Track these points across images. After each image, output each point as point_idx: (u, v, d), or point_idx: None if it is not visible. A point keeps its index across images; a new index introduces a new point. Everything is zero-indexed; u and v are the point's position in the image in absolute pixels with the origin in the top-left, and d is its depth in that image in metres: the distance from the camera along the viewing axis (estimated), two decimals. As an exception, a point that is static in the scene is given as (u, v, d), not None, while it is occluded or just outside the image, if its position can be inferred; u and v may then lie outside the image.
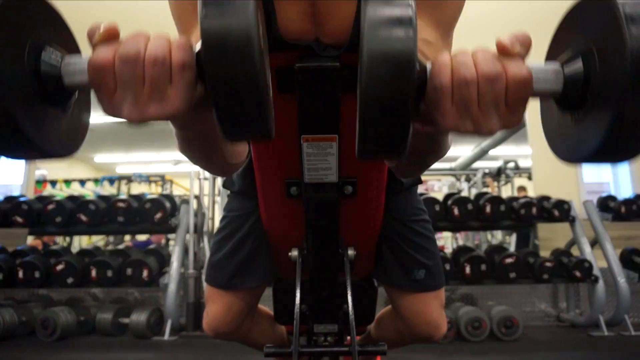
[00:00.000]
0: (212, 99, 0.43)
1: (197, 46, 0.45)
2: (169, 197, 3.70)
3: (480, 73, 0.43)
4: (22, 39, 0.44)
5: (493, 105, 0.44)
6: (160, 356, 2.83)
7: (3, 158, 0.47)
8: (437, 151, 0.64)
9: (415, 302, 1.07)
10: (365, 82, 0.42)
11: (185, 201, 3.72)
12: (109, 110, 0.45)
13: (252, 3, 0.42)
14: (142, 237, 5.74)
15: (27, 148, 0.44)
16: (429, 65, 0.46)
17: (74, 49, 0.52)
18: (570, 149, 0.50)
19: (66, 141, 0.50)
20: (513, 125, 0.45)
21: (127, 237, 5.76)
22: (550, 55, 0.52)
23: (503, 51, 0.44)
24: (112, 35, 0.44)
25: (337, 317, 1.11)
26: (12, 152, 0.46)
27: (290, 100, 0.77)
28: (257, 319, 1.22)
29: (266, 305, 1.30)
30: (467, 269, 3.23)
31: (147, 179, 6.64)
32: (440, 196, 3.74)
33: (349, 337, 1.19)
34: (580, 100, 0.46)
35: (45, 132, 0.45)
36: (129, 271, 3.23)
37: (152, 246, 4.11)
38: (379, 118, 0.43)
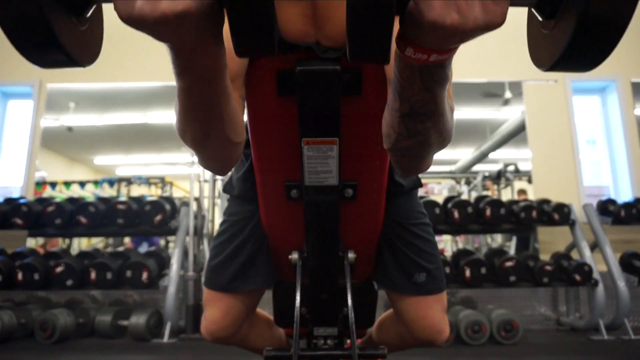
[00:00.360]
0: (227, 8, 0.46)
1: None
2: (169, 200, 3.70)
3: None
4: None
5: None
6: (160, 359, 2.82)
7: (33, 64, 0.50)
8: (437, 122, 0.61)
9: (417, 306, 1.07)
10: None
11: (185, 203, 3.72)
12: (123, 6, 0.45)
13: None
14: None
15: (57, 51, 0.47)
16: None
17: None
18: (545, 56, 0.53)
19: (87, 50, 0.53)
20: (495, 21, 0.46)
21: (127, 240, 5.75)
22: None
23: None
24: None
25: (337, 320, 1.11)
26: (43, 55, 0.49)
27: (291, 103, 0.77)
28: (256, 322, 1.21)
29: (264, 309, 1.30)
30: (467, 272, 3.23)
31: (147, 181, 6.63)
32: (440, 199, 3.73)
33: (349, 341, 1.19)
34: (556, 7, 0.49)
35: (71, 38, 0.49)
36: (128, 273, 3.22)
37: (152, 248, 4.10)
38: (364, 14, 0.45)
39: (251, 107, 0.83)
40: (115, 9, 0.45)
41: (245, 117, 0.87)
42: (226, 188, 1.15)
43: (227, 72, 0.60)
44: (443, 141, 0.65)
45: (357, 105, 0.81)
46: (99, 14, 0.57)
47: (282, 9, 0.68)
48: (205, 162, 0.74)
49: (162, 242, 5.78)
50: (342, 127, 0.79)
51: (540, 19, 0.53)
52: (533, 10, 0.54)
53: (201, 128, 0.65)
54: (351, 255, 0.98)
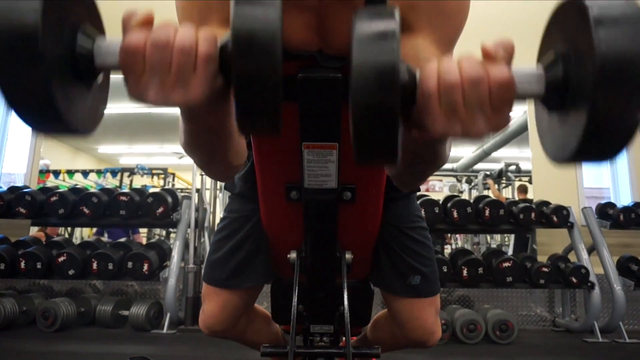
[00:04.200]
0: (234, 90, 0.46)
1: (220, 40, 0.48)
2: (171, 192, 3.73)
3: (465, 77, 0.45)
4: (63, 19, 0.46)
5: (478, 108, 0.46)
6: (159, 349, 2.86)
7: (28, 131, 0.50)
8: (435, 161, 0.65)
9: (410, 308, 1.09)
10: (354, 91, 0.45)
11: (187, 197, 3.74)
12: (135, 92, 0.47)
13: (278, 4, 0.46)
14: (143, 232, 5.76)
15: (58, 123, 0.46)
16: (418, 73, 0.49)
17: (102, 30, 0.54)
18: (557, 149, 0.52)
19: (89, 119, 0.52)
20: (500, 128, 0.48)
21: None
22: (539, 57, 0.54)
23: (487, 57, 0.47)
24: (148, 22, 0.47)
25: (334, 318, 1.13)
26: (42, 125, 0.48)
27: (292, 108, 0.79)
28: (253, 318, 1.24)
29: (263, 304, 1.33)
30: (465, 272, 3.25)
31: (150, 171, 6.66)
32: (441, 196, 3.75)
33: (344, 338, 1.22)
34: (563, 101, 0.48)
35: (73, 109, 0.48)
36: (129, 264, 3.26)
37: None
38: (368, 124, 0.47)
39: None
40: (126, 87, 0.47)
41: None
42: (228, 186, 1.17)
43: (233, 117, 0.63)
44: (440, 166, 0.70)
45: (356, 111, 0.83)
46: (105, 81, 0.56)
47: (287, 18, 0.69)
48: (208, 174, 0.81)
49: (163, 233, 5.82)
50: (342, 132, 0.81)
51: (547, 110, 0.53)
52: (541, 104, 0.53)
53: (205, 156, 0.71)
54: (348, 256, 1.00)
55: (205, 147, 0.68)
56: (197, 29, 0.47)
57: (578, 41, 0.45)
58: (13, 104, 0.44)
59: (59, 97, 0.45)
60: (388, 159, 0.50)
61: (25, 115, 0.46)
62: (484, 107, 0.46)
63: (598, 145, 0.45)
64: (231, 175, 0.80)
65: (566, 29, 0.48)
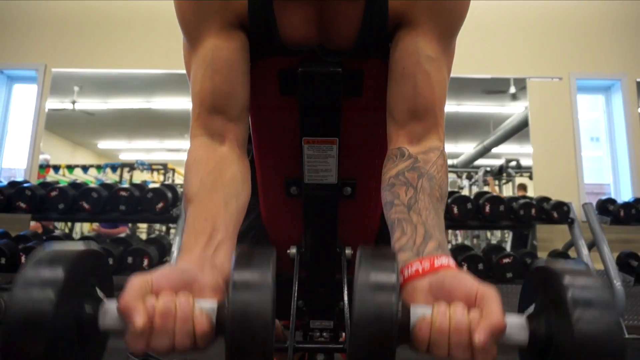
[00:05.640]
0: (225, 345, 0.49)
1: (214, 305, 0.52)
2: (171, 187, 3.73)
3: (452, 342, 0.49)
4: (77, 288, 0.50)
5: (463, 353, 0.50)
6: (159, 344, 2.86)
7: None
8: None
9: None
10: (353, 337, 0.49)
11: (187, 192, 3.74)
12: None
13: (270, 291, 0.49)
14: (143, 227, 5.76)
15: None
16: (412, 317, 0.52)
17: (110, 291, 0.58)
18: None
19: None
20: None
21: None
22: (521, 305, 0.59)
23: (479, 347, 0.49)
24: (145, 329, 0.49)
25: (333, 314, 1.13)
26: None
27: (293, 102, 0.78)
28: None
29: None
30: (465, 268, 3.25)
31: (150, 167, 6.66)
32: (440, 193, 3.74)
33: (344, 334, 1.22)
34: (546, 353, 0.51)
35: None
36: (129, 259, 3.26)
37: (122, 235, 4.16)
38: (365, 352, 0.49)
39: (254, 105, 0.85)
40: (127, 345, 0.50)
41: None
42: (228, 181, 1.17)
43: None
44: None
45: (357, 106, 0.82)
46: (104, 340, 0.60)
47: (287, 14, 0.69)
48: None
49: (163, 228, 5.81)
50: (342, 127, 0.81)
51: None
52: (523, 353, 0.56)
53: None
54: (348, 251, 1.00)
55: None
56: (193, 305, 0.50)
57: (557, 307, 0.50)
58: None
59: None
60: None
61: None
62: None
63: None
64: None
65: (547, 288, 0.53)
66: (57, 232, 4.10)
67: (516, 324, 0.52)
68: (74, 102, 5.21)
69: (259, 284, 0.49)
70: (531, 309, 0.55)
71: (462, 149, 6.90)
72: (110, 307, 0.52)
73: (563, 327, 0.48)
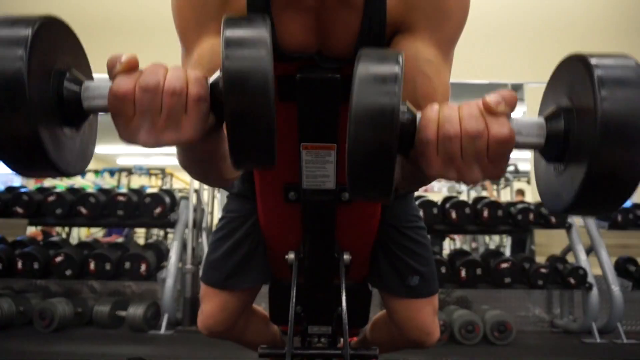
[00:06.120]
0: (227, 130, 0.46)
1: (210, 79, 0.48)
2: (169, 192, 3.72)
3: (464, 130, 0.46)
4: (49, 65, 0.46)
5: (475, 159, 0.46)
6: (156, 350, 2.85)
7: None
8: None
9: (409, 308, 1.09)
10: (352, 131, 0.46)
11: (185, 197, 3.74)
12: (125, 135, 0.47)
13: (268, 44, 0.46)
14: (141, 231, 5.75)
15: (46, 166, 0.46)
16: (418, 116, 0.49)
17: (89, 74, 0.54)
18: (553, 199, 0.52)
19: (78, 160, 0.53)
20: (495, 177, 0.48)
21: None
22: (541, 109, 0.55)
23: (488, 110, 0.46)
24: (133, 66, 0.46)
25: (332, 319, 1.13)
26: (32, 170, 0.49)
27: (291, 108, 0.79)
28: (252, 318, 1.24)
29: (261, 305, 1.33)
30: (463, 273, 3.25)
31: (148, 172, 6.65)
32: (439, 197, 3.75)
33: (342, 340, 1.21)
34: (562, 154, 0.49)
35: (62, 152, 0.48)
36: (127, 265, 3.25)
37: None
38: (364, 164, 0.47)
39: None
40: (117, 130, 0.47)
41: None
42: (226, 186, 1.17)
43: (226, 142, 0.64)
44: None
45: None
46: (93, 121, 0.57)
47: (286, 21, 0.69)
48: (206, 184, 0.80)
49: (161, 233, 5.80)
50: (340, 133, 0.81)
51: (546, 160, 0.53)
52: (541, 155, 0.53)
53: (200, 172, 0.71)
54: (346, 257, 1.00)
55: (200, 167, 0.69)
56: (186, 70, 0.47)
57: (581, 97, 0.46)
58: (2, 152, 0.45)
59: (47, 141, 0.45)
60: (382, 198, 0.50)
61: (13, 161, 0.46)
62: (481, 159, 0.46)
63: (594, 200, 0.46)
64: (228, 184, 0.80)
65: (569, 85, 0.49)
66: (54, 238, 4.08)
67: (533, 123, 0.49)
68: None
69: (254, 39, 0.46)
70: (550, 110, 0.51)
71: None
72: (92, 85, 0.49)
73: (585, 116, 0.45)
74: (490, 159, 0.46)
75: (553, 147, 0.49)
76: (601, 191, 0.45)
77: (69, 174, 0.50)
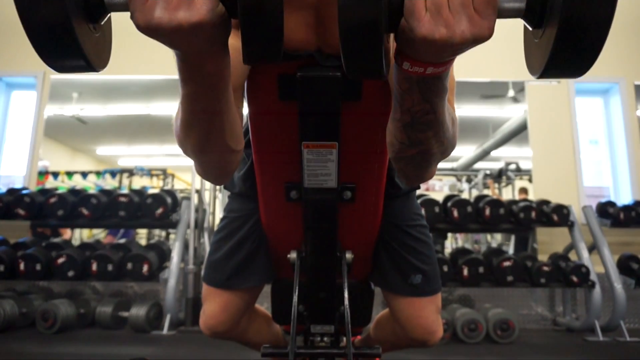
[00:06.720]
0: (240, 20, 0.48)
1: None
2: (171, 193, 3.72)
3: (452, 6, 0.47)
4: None
5: (462, 8, 0.47)
6: (159, 350, 2.85)
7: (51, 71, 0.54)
8: (438, 132, 0.63)
9: (411, 307, 1.09)
10: (341, 4, 0.47)
11: (187, 197, 3.74)
12: (141, 17, 0.48)
13: None
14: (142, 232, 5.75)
15: (77, 55, 0.50)
16: None
17: None
18: (535, 64, 0.55)
19: (101, 55, 0.56)
20: (482, 34, 0.48)
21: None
22: None
23: None
24: None
25: (334, 318, 1.13)
26: (63, 59, 0.51)
27: (292, 107, 0.78)
28: (254, 318, 1.24)
29: (263, 304, 1.32)
30: (465, 271, 3.25)
31: (149, 172, 6.65)
32: (440, 196, 3.75)
33: (345, 338, 1.21)
34: (541, 19, 0.51)
35: (89, 45, 0.52)
36: (129, 265, 3.25)
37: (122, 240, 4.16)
38: (355, 37, 0.48)
39: (253, 110, 0.85)
40: (132, 17, 0.48)
41: (246, 116, 0.89)
42: (227, 185, 1.17)
43: (230, 80, 0.62)
44: (445, 150, 0.67)
45: (356, 110, 0.82)
46: (110, 22, 0.59)
47: (286, 18, 0.69)
48: (204, 170, 0.75)
49: (163, 234, 5.80)
50: (341, 131, 0.81)
51: (530, 28, 0.55)
52: (524, 20, 0.56)
53: (202, 135, 0.66)
54: (349, 255, 1.00)
55: (203, 120, 0.65)
56: None
57: None
58: (37, 39, 0.48)
59: (78, 32, 0.49)
60: (376, 71, 0.51)
61: (46, 50, 0.49)
62: (467, 9, 0.47)
63: (571, 54, 0.49)
64: (229, 170, 0.75)
65: None
66: (56, 240, 4.08)
67: None
68: (82, 121, 5.23)
69: None
70: None
71: (461, 152, 6.90)
72: None
73: None
74: (476, 8, 0.47)
75: (534, 12, 0.51)
76: (575, 47, 0.48)
77: (96, 68, 0.53)
